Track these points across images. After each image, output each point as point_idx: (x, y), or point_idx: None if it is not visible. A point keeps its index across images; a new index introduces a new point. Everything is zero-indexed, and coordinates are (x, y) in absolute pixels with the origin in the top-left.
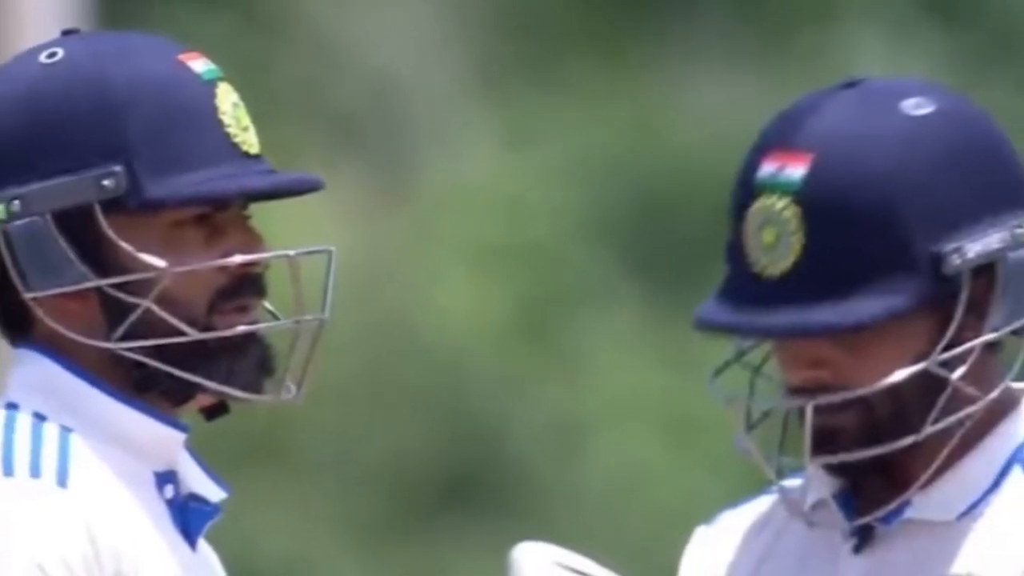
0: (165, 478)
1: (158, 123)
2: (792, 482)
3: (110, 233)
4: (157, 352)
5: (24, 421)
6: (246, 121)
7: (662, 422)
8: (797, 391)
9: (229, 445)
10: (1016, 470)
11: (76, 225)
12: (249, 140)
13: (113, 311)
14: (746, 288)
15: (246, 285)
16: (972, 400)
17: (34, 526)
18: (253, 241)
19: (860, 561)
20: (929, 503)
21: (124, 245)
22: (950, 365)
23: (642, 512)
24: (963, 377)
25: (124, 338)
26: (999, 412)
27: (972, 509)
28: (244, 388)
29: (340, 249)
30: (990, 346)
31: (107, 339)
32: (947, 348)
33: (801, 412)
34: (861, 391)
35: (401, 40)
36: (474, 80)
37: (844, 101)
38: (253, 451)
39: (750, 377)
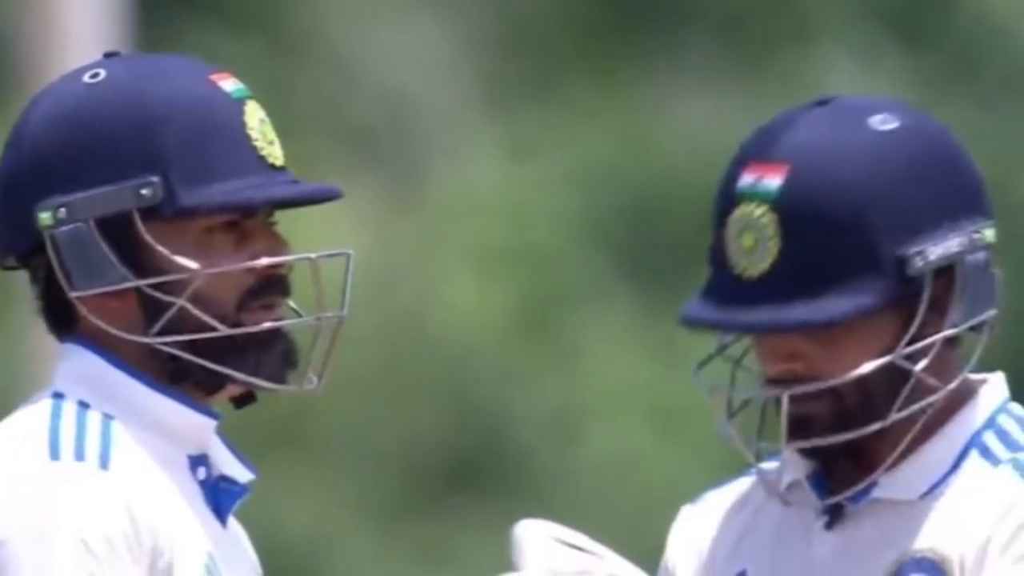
0: (198, 461)
1: (192, 138)
2: (769, 465)
3: (148, 238)
4: (190, 346)
5: (69, 409)
6: (272, 136)
7: (651, 411)
8: (774, 382)
9: (256, 431)
10: (973, 454)
11: (117, 231)
12: (274, 153)
13: (150, 309)
14: (728, 288)
15: (272, 285)
16: (933, 390)
17: (79, 505)
18: (278, 245)
19: (831, 537)
20: (894, 484)
21: (160, 249)
22: (913, 358)
23: (633, 492)
24: (925, 369)
25: (160, 333)
26: (958, 401)
27: (933, 489)
28: (270, 379)
29: (357, 252)
30: (950, 341)
31: (145, 334)
32: (911, 343)
33: (778, 401)
34: (832, 382)
35: (412, 61)
36: (479, 97)
37: (817, 117)
38: (278, 437)
39: (731, 369)
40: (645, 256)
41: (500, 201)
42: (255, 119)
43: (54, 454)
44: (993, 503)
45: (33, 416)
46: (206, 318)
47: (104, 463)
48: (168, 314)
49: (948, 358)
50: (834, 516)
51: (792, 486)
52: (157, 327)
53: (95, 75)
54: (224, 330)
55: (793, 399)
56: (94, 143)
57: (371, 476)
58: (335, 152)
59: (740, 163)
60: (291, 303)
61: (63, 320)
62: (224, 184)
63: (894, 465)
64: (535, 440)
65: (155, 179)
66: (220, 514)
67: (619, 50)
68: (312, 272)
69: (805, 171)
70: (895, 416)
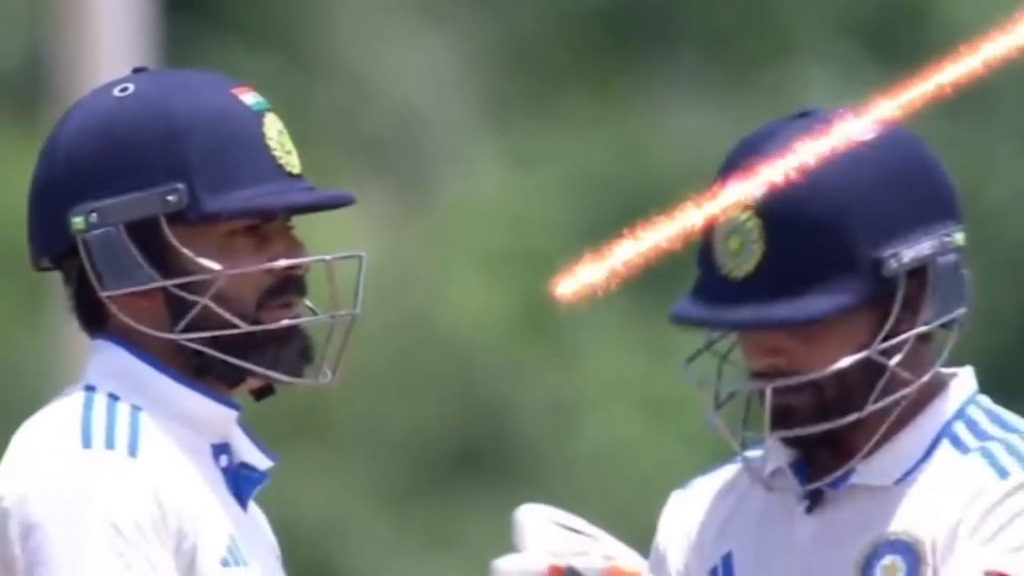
0: (220, 449)
1: (214, 147)
2: (754, 453)
3: (174, 241)
4: (213, 342)
5: (100, 401)
6: (289, 145)
7: (644, 402)
8: (758, 375)
9: (275, 422)
10: (944, 443)
11: (145, 234)
12: (292, 162)
13: (176, 307)
14: (715, 288)
15: (289, 285)
16: (907, 383)
17: (109, 491)
18: (295, 248)
19: (812, 520)
20: (870, 471)
21: (185, 251)
22: (888, 353)
23: (626, 479)
24: (899, 364)
25: (185, 330)
26: (930, 393)
27: (907, 476)
28: (287, 373)
29: (369, 255)
30: (922, 337)
31: (171, 331)
32: (886, 339)
33: (762, 393)
34: (813, 375)
35: (421, 77)
36: (483, 111)
37: (798, 128)
38: (295, 427)
39: (718, 364)
40: None
41: (502, 208)
42: (274, 130)
43: (86, 443)
44: (963, 489)
45: (66, 407)
46: (228, 316)
47: (133, 451)
48: (192, 312)
49: (921, 353)
50: (814, 501)
51: (775, 473)
52: (182, 324)
53: (124, 89)
54: (245, 327)
55: (776, 391)
56: (124, 152)
57: (382, 464)
58: (349, 161)
59: (727, 171)
60: (307, 302)
61: (94, 318)
62: (245, 191)
63: (870, 453)
64: (535, 430)
65: (180, 186)
66: (241, 499)
67: (614, 67)
68: (327, 273)
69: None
70: (871, 407)
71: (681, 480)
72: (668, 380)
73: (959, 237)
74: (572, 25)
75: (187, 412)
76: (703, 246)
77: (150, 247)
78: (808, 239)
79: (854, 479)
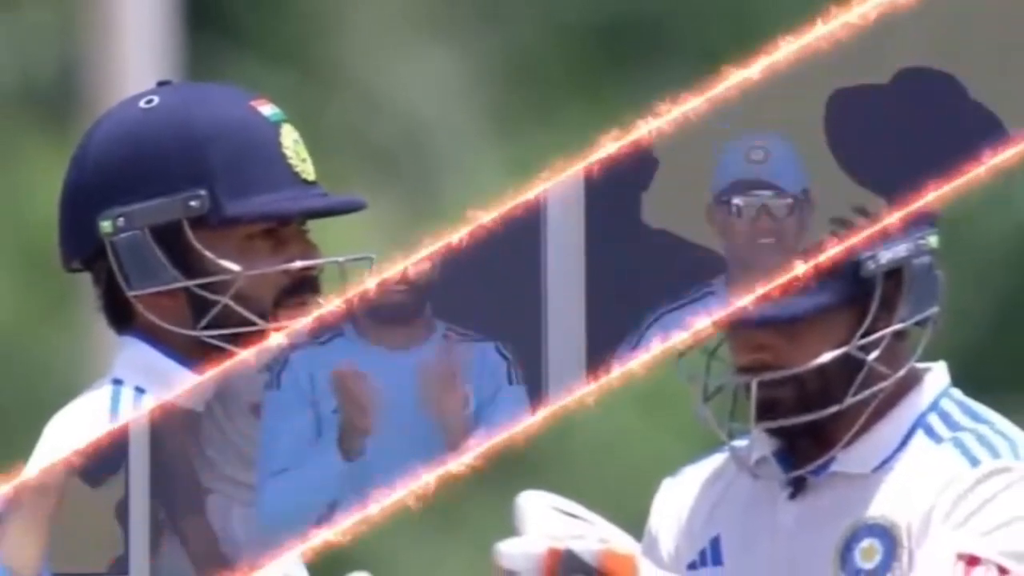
0: None
1: (234, 156)
2: (740, 443)
3: (196, 244)
4: (233, 339)
5: (127, 394)
6: (304, 154)
7: (637, 396)
8: (745, 370)
9: None
10: (919, 433)
11: (169, 237)
12: (307, 170)
13: (198, 306)
14: None
15: (305, 285)
16: (884, 377)
17: None
18: (310, 250)
19: (794, 506)
20: (850, 459)
21: (207, 253)
22: (866, 349)
23: (621, 467)
24: (877, 359)
25: (207, 328)
26: (906, 387)
27: (884, 464)
28: None
29: (379, 257)
30: (898, 334)
31: (193, 328)
32: (864, 336)
33: (748, 387)
34: (796, 370)
35: (428, 90)
36: (487, 122)
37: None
38: None
39: (707, 359)
40: None
41: None
42: (290, 140)
43: None
44: (936, 476)
45: (96, 400)
46: (247, 314)
47: None
48: (214, 311)
49: (897, 349)
50: (797, 488)
51: (760, 461)
52: (204, 322)
53: (150, 101)
54: (263, 324)
55: (761, 385)
56: (149, 160)
57: None
58: (359, 169)
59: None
60: (321, 301)
61: (121, 316)
62: (263, 197)
63: (850, 443)
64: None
65: (202, 192)
66: None
67: (609, 80)
68: (339, 274)
69: None
70: (850, 400)
71: (672, 468)
72: (660, 375)
73: (933, 240)
74: (571, 40)
75: None
76: None
77: (174, 249)
78: None
79: (834, 467)
